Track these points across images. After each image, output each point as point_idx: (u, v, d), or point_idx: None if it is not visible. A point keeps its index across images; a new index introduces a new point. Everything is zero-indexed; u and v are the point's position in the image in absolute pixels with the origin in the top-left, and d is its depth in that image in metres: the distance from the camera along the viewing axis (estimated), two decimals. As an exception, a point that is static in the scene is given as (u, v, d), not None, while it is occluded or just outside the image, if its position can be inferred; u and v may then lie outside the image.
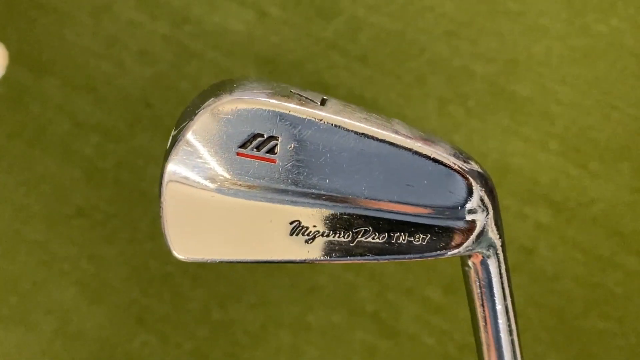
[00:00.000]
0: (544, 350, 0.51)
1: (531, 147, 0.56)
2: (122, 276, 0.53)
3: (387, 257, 0.20)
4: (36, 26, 0.61)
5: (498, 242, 0.21)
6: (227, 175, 0.19)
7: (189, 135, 0.18)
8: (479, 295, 0.21)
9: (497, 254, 0.21)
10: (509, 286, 0.22)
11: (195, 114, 0.19)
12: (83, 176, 0.56)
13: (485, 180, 0.21)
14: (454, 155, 0.20)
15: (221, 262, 0.18)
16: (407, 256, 0.20)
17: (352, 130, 0.18)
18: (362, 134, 0.19)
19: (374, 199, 0.19)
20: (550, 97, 0.58)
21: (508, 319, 0.22)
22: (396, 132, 0.19)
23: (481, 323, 0.21)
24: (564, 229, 0.53)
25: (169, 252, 0.18)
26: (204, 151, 0.19)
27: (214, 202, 0.19)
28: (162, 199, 0.19)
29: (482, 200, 0.20)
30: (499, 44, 0.60)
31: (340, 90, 0.57)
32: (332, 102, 0.19)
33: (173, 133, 0.19)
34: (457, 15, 0.61)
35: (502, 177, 0.55)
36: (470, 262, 0.21)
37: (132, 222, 0.54)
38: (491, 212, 0.21)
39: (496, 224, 0.21)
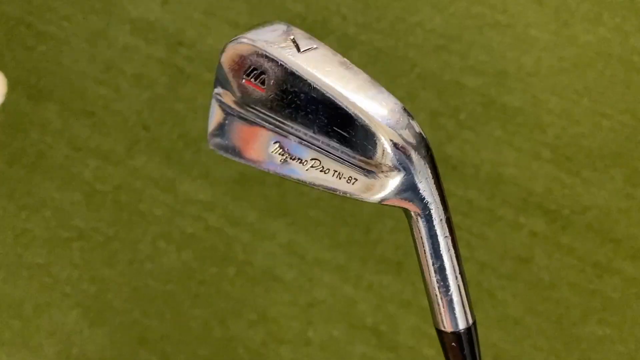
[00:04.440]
0: (544, 358, 0.51)
1: (524, 157, 0.57)
2: (123, 297, 0.53)
3: (323, 186, 0.23)
4: (34, 54, 0.63)
5: (419, 206, 0.23)
6: (239, 95, 0.24)
7: (221, 62, 0.24)
8: (414, 245, 0.24)
9: (423, 216, 0.23)
10: (447, 247, 0.23)
11: (224, 47, 0.24)
12: (83, 199, 0.56)
13: (402, 143, 0.22)
14: (378, 115, 0.22)
15: (226, 158, 0.25)
16: (338, 190, 0.23)
17: (305, 78, 0.22)
18: (311, 83, 0.22)
19: (319, 137, 0.23)
20: (541, 107, 0.59)
21: (443, 278, 0.24)
22: (341, 85, 0.22)
23: (422, 273, 0.24)
24: (559, 237, 0.54)
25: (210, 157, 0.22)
26: (229, 75, 0.24)
27: (230, 116, 0.25)
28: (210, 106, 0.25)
29: (397, 159, 0.22)
30: (489, 57, 0.61)
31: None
32: (313, 52, 0.22)
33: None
34: (446, 30, 0.62)
35: (495, 187, 0.56)
36: (410, 213, 0.23)
37: (132, 243, 0.55)
38: (410, 173, 0.22)
39: (418, 186, 0.22)
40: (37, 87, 0.61)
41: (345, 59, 0.22)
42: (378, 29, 0.61)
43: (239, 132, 0.25)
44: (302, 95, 0.22)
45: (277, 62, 0.22)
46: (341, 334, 0.51)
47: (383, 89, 0.22)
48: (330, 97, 0.22)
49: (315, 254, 0.53)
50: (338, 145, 0.22)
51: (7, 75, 0.58)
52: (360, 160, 0.22)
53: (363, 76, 0.22)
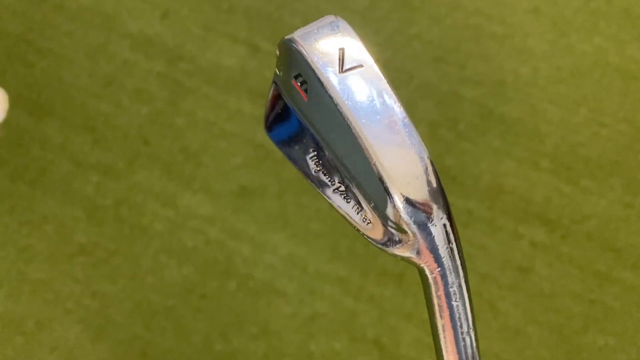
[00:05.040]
0: (546, 368, 0.51)
1: (523, 167, 0.57)
2: (125, 312, 0.53)
3: (344, 215, 0.22)
4: (35, 70, 0.63)
5: (428, 269, 0.21)
6: (285, 94, 0.23)
7: (277, 54, 0.23)
8: (426, 297, 0.22)
9: (430, 278, 0.21)
10: (456, 312, 0.22)
11: (280, 42, 0.22)
12: (84, 215, 0.57)
13: (415, 205, 0.20)
14: (394, 168, 0.20)
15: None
16: (356, 226, 0.22)
17: (336, 103, 0.20)
18: (340, 111, 0.20)
19: (346, 164, 0.22)
20: (539, 117, 0.59)
21: (449, 335, 0.22)
22: (366, 123, 0.20)
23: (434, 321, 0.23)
24: (559, 246, 0.54)
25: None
26: (283, 70, 0.23)
27: (282, 110, 0.24)
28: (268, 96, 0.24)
29: (408, 220, 0.20)
30: (486, 67, 0.62)
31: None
32: (355, 74, 0.21)
33: None
34: (444, 41, 0.63)
35: (495, 197, 0.56)
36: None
37: (133, 258, 0.55)
38: (417, 239, 0.20)
39: (423, 252, 0.20)
40: (38, 103, 0.61)
41: (386, 86, 0.20)
42: (376, 42, 0.62)
43: (289, 127, 0.23)
44: (334, 117, 0.21)
45: (318, 78, 0.21)
46: (343, 346, 0.51)
47: (413, 134, 0.20)
48: (353, 131, 0.20)
49: (316, 266, 0.54)
50: (360, 180, 0.21)
51: (8, 91, 0.59)
52: (374, 207, 0.21)
53: (397, 114, 0.20)
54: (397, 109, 0.20)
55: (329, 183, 0.22)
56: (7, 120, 0.61)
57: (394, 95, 0.20)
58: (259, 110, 0.61)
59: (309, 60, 0.21)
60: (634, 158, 0.57)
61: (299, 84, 0.22)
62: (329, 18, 0.22)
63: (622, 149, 0.58)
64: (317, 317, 0.52)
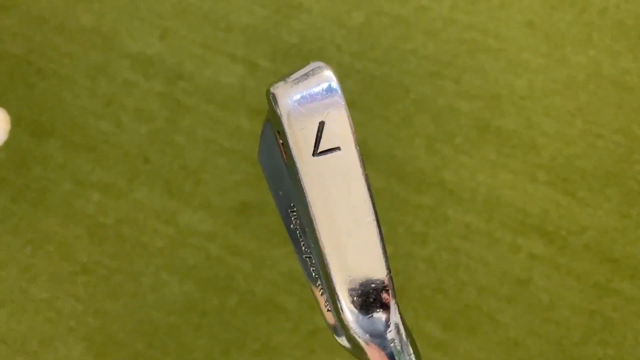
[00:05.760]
0: (547, 380, 0.51)
1: (520, 179, 0.57)
2: (127, 329, 0.54)
3: (311, 286, 0.21)
4: (35, 90, 0.64)
5: None
6: (273, 135, 0.21)
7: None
8: None
9: None
10: None
11: (266, 90, 0.20)
12: (86, 233, 0.57)
13: (365, 320, 0.19)
14: (343, 275, 0.18)
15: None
16: (319, 305, 0.21)
17: (303, 190, 0.19)
18: (306, 199, 0.19)
19: (312, 243, 0.20)
20: (535, 129, 0.60)
21: None
22: (329, 224, 0.18)
23: None
24: (558, 258, 0.54)
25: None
26: (271, 114, 0.20)
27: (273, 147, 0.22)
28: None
29: (354, 332, 0.19)
30: (482, 81, 0.62)
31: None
32: (329, 159, 0.18)
33: None
34: (439, 56, 0.63)
35: (493, 210, 0.56)
36: None
37: (135, 276, 0.55)
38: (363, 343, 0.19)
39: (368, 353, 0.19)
40: (40, 124, 0.62)
41: (362, 177, 0.19)
42: (372, 57, 0.63)
43: (276, 165, 0.22)
44: (302, 196, 0.19)
45: (292, 155, 0.19)
46: (344, 361, 0.52)
47: (378, 251, 0.18)
48: (313, 223, 0.19)
49: (316, 281, 0.54)
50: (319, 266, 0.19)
51: (10, 112, 0.60)
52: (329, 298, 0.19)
53: (366, 221, 0.18)
54: (371, 215, 0.18)
55: (302, 247, 0.21)
56: (8, 141, 0.62)
57: (365, 191, 0.19)
58: (258, 127, 0.61)
59: (287, 133, 0.19)
60: (630, 169, 0.58)
61: (280, 141, 0.20)
62: (324, 71, 0.19)
63: (618, 160, 0.58)
64: (317, 332, 0.53)
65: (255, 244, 0.56)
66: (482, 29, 0.64)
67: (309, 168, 0.19)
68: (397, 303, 0.20)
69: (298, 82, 0.20)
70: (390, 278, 0.19)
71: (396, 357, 0.20)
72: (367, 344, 0.20)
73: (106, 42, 0.67)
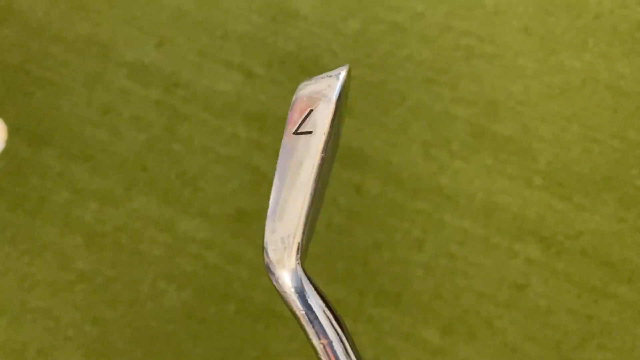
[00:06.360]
0: (545, 385, 0.51)
1: (516, 185, 0.58)
2: (125, 338, 0.54)
3: None
4: (33, 99, 0.64)
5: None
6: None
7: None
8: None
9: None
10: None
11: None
12: (83, 242, 0.57)
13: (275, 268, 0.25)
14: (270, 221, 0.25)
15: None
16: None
17: (279, 155, 0.26)
18: (278, 163, 0.26)
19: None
20: (531, 135, 0.60)
21: None
22: (279, 186, 0.24)
23: None
24: (555, 263, 0.54)
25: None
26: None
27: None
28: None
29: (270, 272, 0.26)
30: (478, 87, 0.62)
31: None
32: (302, 139, 0.24)
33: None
34: (435, 62, 0.64)
35: (490, 215, 0.56)
36: None
37: (133, 284, 0.55)
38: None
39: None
40: (37, 133, 0.62)
41: (317, 158, 0.24)
42: (368, 64, 0.63)
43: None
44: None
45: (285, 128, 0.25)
46: (342, 367, 0.52)
47: (303, 214, 0.24)
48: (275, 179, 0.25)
49: (313, 288, 0.54)
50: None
51: (7, 122, 0.60)
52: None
53: (303, 190, 0.24)
54: (307, 185, 0.24)
55: None
56: (6, 150, 0.62)
57: (314, 170, 0.24)
58: (254, 133, 0.61)
59: (289, 112, 0.25)
60: (626, 173, 0.58)
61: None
62: (340, 69, 0.26)
63: (614, 164, 0.58)
64: (316, 339, 0.53)
65: (253, 251, 0.56)
66: (478, 35, 0.65)
67: (287, 141, 0.24)
68: (300, 262, 0.25)
69: (320, 77, 0.26)
70: (302, 240, 0.24)
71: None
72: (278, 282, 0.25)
73: (103, 51, 0.67)
